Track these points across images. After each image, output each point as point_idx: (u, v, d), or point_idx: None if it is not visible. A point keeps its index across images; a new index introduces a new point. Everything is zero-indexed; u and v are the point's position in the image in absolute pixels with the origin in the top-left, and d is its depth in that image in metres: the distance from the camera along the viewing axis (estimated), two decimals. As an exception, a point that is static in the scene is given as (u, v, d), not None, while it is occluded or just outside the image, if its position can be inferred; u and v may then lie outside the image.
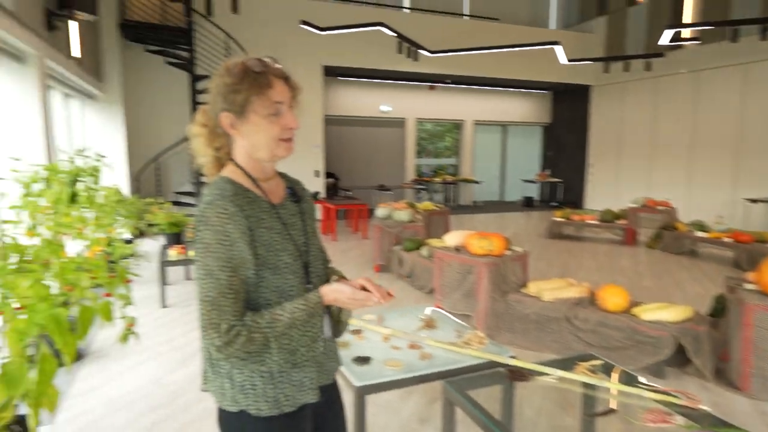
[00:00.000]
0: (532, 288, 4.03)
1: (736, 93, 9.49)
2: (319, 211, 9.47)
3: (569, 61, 10.19)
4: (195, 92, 7.94)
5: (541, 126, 14.55)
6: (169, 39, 7.86)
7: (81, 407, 2.90)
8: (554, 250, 7.60)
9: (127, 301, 2.46)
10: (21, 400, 2.10)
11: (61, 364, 2.17)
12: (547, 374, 2.26)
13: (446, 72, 11.27)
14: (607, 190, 12.36)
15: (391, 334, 2.73)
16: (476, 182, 13.16)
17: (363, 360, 2.41)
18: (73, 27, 5.57)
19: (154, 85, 8.65)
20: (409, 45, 9.04)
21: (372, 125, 12.46)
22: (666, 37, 7.48)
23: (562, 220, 8.46)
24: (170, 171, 8.90)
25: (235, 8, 6.31)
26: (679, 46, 9.25)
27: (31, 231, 2.95)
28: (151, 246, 6.78)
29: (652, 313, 3.39)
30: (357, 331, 2.79)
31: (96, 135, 7.57)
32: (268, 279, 1.18)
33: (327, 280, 1.42)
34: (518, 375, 2.31)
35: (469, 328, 2.83)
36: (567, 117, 13.79)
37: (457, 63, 10.99)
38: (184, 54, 7.90)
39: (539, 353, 3.74)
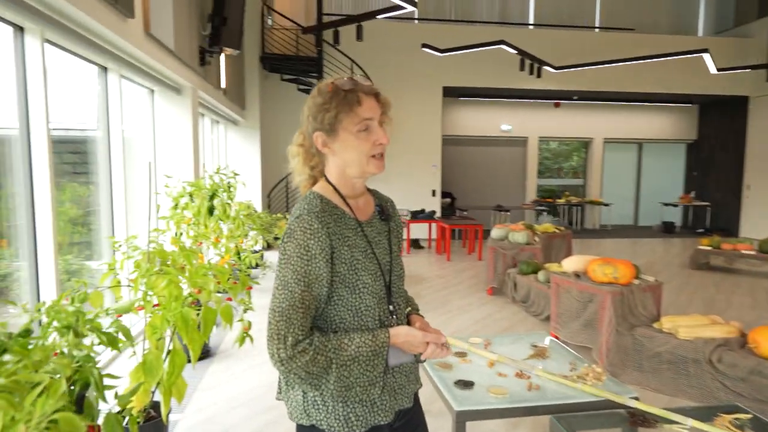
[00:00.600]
0: (666, 323, 3.57)
1: None
2: (434, 230, 9.48)
3: (720, 70, 9.05)
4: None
5: (685, 143, 13.05)
6: (302, 68, 8.55)
7: (206, 401, 3.19)
8: (698, 283, 6.68)
9: (247, 306, 2.67)
10: (156, 388, 2.36)
11: (189, 360, 2.41)
12: (677, 423, 1.97)
13: (573, 88, 10.71)
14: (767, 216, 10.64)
15: (498, 360, 2.59)
16: (605, 204, 12.17)
17: (465, 384, 2.32)
18: (222, 62, 6.34)
19: (286, 111, 9.45)
20: (531, 61, 8.77)
21: (492, 144, 12.23)
22: None
23: (710, 248, 7.43)
24: (298, 189, 9.59)
25: (359, 36, 6.68)
26: None
27: (176, 239, 3.37)
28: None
29: (825, 364, 2.80)
30: (462, 354, 2.70)
31: (236, 156, 8.46)
32: (344, 297, 1.18)
33: (407, 302, 1.42)
34: (641, 420, 2.06)
35: (586, 361, 2.60)
36: (717, 132, 12.20)
37: (586, 78, 10.38)
38: (314, 81, 8.53)
39: (673, 398, 3.29)
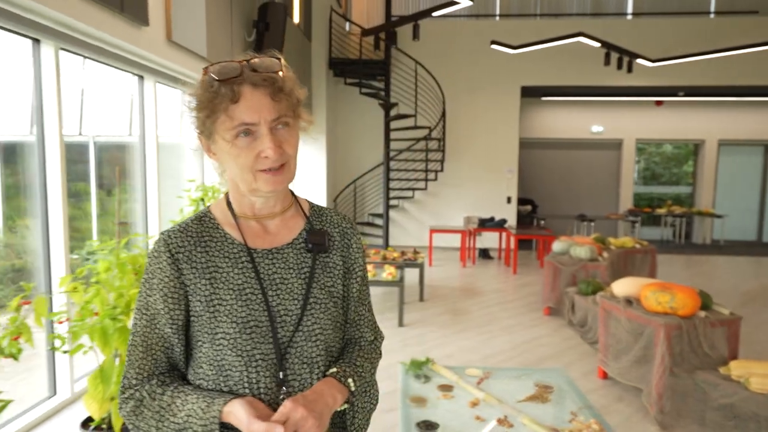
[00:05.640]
0: (736, 369, 2.85)
1: None
2: (504, 240, 8.87)
3: None
4: (388, 120, 8.39)
5: (828, 144, 10.91)
6: (367, 71, 8.49)
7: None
8: (823, 316, 5.43)
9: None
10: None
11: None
12: None
13: (679, 83, 9.44)
14: None
15: (484, 400, 2.21)
16: (717, 216, 10.53)
17: (428, 426, 1.99)
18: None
19: (352, 115, 9.43)
20: (620, 55, 7.84)
21: (580, 148, 11.20)
22: None
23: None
24: (366, 193, 9.53)
25: (416, 35, 6.41)
26: None
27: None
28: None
29: None
30: (447, 387, 2.35)
31: (303, 162, 8.60)
32: (205, 345, 0.90)
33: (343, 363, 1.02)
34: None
35: (594, 412, 2.11)
36: None
37: (695, 71, 9.09)
38: (377, 84, 8.42)
39: (737, 466, 2.60)
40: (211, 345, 0.89)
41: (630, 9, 10.55)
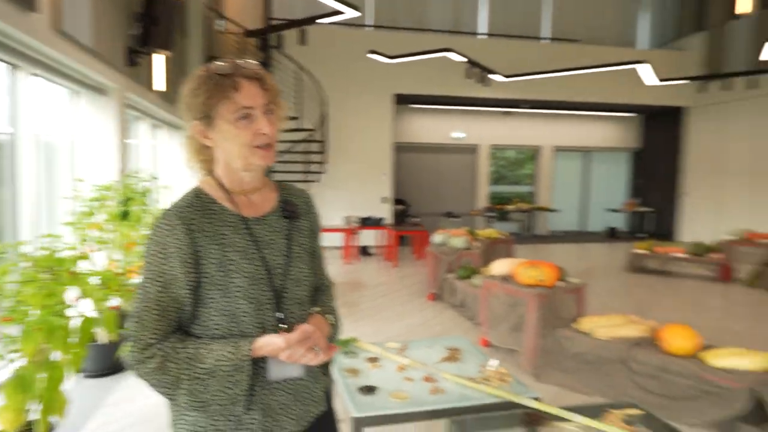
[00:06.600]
0: (585, 324, 3.64)
1: None
2: (383, 238, 9.47)
3: (662, 81, 9.43)
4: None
5: (630, 151, 13.55)
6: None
7: (112, 416, 3.02)
8: (632, 285, 6.90)
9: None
10: (36, 404, 2.20)
11: (77, 371, 2.26)
12: (567, 420, 1.98)
13: (523, 97, 10.96)
14: (704, 221, 11.13)
15: (409, 365, 2.57)
16: (552, 211, 12.47)
17: (368, 390, 2.28)
18: (162, 64, 6.12)
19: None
20: (479, 70, 8.92)
21: (443, 152, 12.35)
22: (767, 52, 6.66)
23: (645, 252, 7.69)
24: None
25: (303, 41, 6.62)
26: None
27: (74, 246, 3.20)
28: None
29: (724, 359, 2.89)
30: (373, 359, 2.66)
31: (177, 162, 8.22)
32: (216, 300, 1.09)
33: (321, 307, 1.30)
34: (535, 418, 2.07)
35: (497, 363, 2.59)
36: (659, 141, 12.73)
37: (535, 87, 10.63)
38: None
39: (590, 398, 3.34)
40: (224, 297, 1.09)
41: (486, 29, 11.96)
